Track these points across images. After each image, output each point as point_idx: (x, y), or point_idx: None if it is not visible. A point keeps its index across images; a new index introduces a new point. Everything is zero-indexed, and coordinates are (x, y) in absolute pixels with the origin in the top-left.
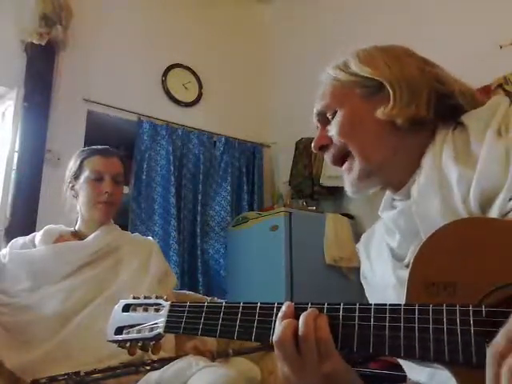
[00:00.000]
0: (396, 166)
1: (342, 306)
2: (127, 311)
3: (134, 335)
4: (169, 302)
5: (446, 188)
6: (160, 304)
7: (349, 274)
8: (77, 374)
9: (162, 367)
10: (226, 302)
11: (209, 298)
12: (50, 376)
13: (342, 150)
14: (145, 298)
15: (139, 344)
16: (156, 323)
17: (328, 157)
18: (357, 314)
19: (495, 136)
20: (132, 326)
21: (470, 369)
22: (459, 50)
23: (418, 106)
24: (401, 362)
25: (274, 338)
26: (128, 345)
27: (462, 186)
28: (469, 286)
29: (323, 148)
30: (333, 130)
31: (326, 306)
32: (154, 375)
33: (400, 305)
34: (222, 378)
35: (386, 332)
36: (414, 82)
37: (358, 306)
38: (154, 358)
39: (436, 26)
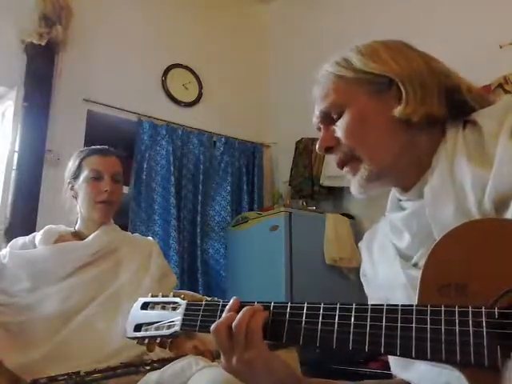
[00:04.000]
0: (405, 165)
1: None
2: (145, 309)
3: (152, 332)
4: (185, 301)
5: (460, 190)
6: (177, 302)
7: (349, 274)
8: (77, 374)
9: (162, 367)
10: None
11: (209, 299)
12: (50, 376)
13: (349, 153)
14: (162, 296)
15: (157, 341)
16: (173, 321)
17: (334, 159)
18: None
19: (510, 137)
20: (150, 324)
21: (482, 370)
22: (459, 50)
23: (431, 103)
24: (390, 359)
25: (212, 326)
26: (146, 341)
27: (477, 188)
28: (482, 288)
29: (329, 149)
30: (340, 132)
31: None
32: (154, 375)
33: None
34: (222, 378)
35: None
36: (423, 77)
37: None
38: (154, 357)
39: (436, 26)
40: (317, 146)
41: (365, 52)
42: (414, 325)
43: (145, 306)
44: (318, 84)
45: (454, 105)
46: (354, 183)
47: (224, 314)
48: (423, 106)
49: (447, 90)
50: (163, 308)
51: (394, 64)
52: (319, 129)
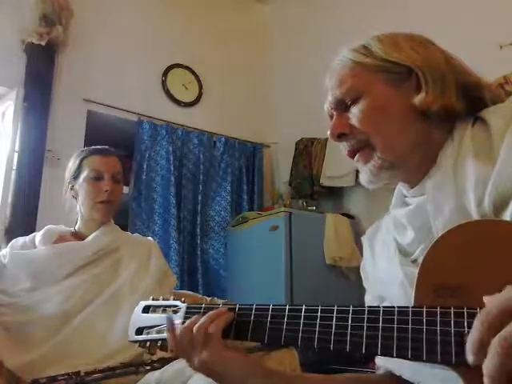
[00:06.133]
0: (417, 159)
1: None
2: (147, 312)
3: (153, 336)
4: (185, 304)
5: (462, 189)
6: (177, 306)
7: (349, 274)
8: (77, 374)
9: (162, 367)
10: (239, 304)
11: (209, 298)
12: (50, 376)
13: (363, 141)
14: (163, 299)
15: (158, 344)
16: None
17: (346, 147)
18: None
19: None
20: (152, 327)
21: (477, 371)
22: (459, 50)
23: (449, 96)
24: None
25: (177, 330)
26: (148, 345)
27: (479, 188)
28: (478, 289)
29: (341, 136)
30: (355, 119)
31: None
32: (154, 375)
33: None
34: None
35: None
36: (443, 70)
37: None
38: (154, 357)
39: (436, 26)
40: (329, 133)
41: (385, 41)
42: (410, 326)
43: (146, 310)
44: (333, 70)
45: (471, 101)
46: (364, 172)
47: (189, 320)
48: (442, 97)
49: (465, 87)
50: (164, 311)
51: (414, 54)
52: (331, 116)
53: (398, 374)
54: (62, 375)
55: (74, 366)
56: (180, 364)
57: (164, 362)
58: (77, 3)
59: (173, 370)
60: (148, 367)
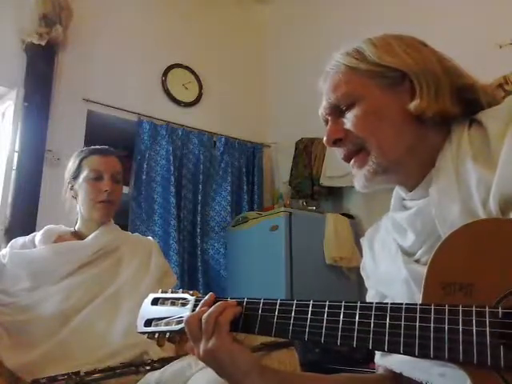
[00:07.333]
0: (413, 162)
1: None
2: (156, 304)
3: (161, 328)
4: (194, 297)
5: (466, 190)
6: (186, 298)
7: (349, 274)
8: (77, 374)
9: (162, 367)
10: (247, 298)
11: None
12: (50, 376)
13: (358, 146)
14: (172, 292)
15: (167, 336)
16: (182, 317)
17: (341, 152)
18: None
19: None
20: (160, 319)
21: (484, 369)
22: (459, 50)
23: (444, 100)
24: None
25: (185, 318)
26: (156, 336)
27: (482, 189)
28: (486, 288)
29: (337, 142)
30: (350, 124)
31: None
32: (154, 375)
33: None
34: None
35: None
36: (436, 74)
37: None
38: (154, 357)
39: (436, 26)
40: (324, 139)
41: (378, 44)
42: (417, 323)
43: (155, 302)
44: (327, 75)
45: (466, 103)
46: (359, 176)
47: (198, 309)
48: (437, 102)
49: (459, 89)
50: (173, 304)
51: (408, 58)
52: (326, 121)
53: (398, 372)
54: (62, 375)
55: (73, 365)
56: (180, 364)
57: (164, 362)
58: (77, 3)
59: (173, 370)
60: (148, 367)
